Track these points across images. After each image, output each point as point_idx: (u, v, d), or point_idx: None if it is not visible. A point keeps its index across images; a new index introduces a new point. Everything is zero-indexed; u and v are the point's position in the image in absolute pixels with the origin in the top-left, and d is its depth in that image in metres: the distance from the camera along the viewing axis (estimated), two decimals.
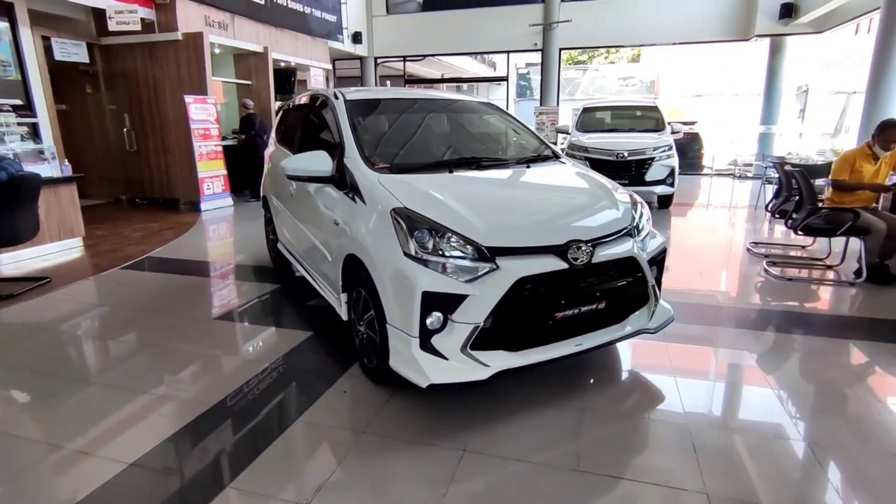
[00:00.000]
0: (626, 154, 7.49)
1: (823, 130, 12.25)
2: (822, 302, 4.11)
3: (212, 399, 2.59)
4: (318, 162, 2.94)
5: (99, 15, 7.82)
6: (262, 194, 5.05)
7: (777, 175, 5.82)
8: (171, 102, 8.30)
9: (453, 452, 2.17)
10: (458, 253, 2.28)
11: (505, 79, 15.02)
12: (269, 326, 3.58)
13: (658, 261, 2.78)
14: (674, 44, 12.54)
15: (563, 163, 3.36)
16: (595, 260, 2.42)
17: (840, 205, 4.44)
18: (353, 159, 2.89)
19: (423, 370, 2.23)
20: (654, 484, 1.99)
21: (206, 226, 7.29)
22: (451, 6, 13.67)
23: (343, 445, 2.23)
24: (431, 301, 2.22)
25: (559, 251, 2.36)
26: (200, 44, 8.07)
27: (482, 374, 2.25)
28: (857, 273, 4.43)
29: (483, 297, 2.22)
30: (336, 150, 3.04)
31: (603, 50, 27.98)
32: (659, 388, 2.75)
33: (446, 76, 20.06)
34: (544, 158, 3.36)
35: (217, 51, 9.04)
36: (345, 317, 3.00)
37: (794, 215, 4.67)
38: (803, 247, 5.57)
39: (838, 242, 5.02)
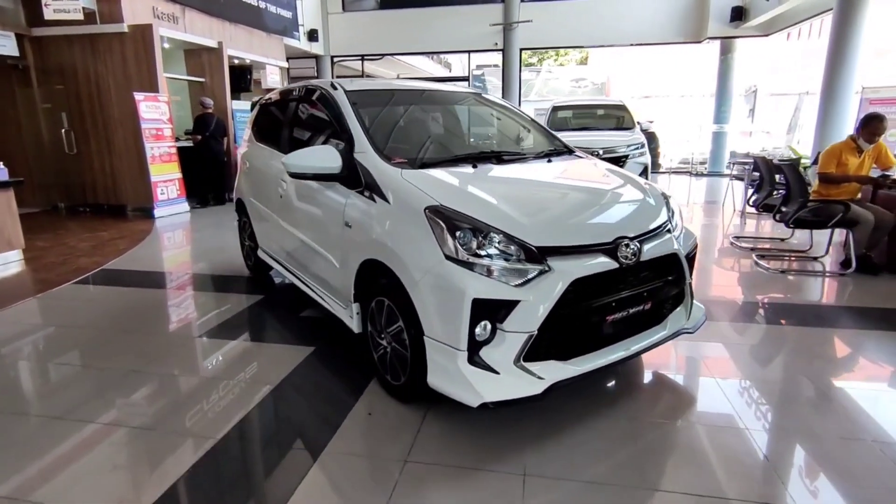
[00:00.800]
0: (600, 152, 7.49)
1: (773, 129, 12.85)
2: (823, 293, 4.16)
3: (215, 433, 2.23)
4: (325, 158, 2.63)
5: (30, 3, 7.06)
6: (234, 198, 4.62)
7: (757, 171, 5.93)
8: (117, 100, 7.61)
9: (514, 477, 1.94)
10: (505, 254, 2.05)
11: (466, 79, 14.89)
12: (262, 342, 3.21)
13: (690, 258, 2.65)
14: (631, 45, 12.81)
15: (581, 157, 3.20)
16: (642, 258, 2.26)
17: (827, 197, 4.54)
18: (366, 154, 2.60)
19: (474, 387, 1.98)
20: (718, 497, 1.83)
21: (164, 234, 6.70)
22: (410, 4, 13.42)
23: (386, 478, 1.94)
24: (481, 309, 1.97)
25: (608, 250, 2.18)
26: (150, 37, 7.45)
27: (537, 387, 2.02)
28: (845, 264, 4.53)
29: (536, 303, 2.00)
30: (337, 144, 2.75)
31: (552, 52, 28.56)
32: (696, 389, 2.63)
33: (402, 76, 19.77)
34: (559, 153, 3.18)
35: (167, 45, 8.38)
36: (357, 329, 2.70)
37: (784, 209, 4.74)
38: (782, 239, 5.70)
39: (818, 234, 5.15)
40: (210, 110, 8.53)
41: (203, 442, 2.16)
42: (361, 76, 15.39)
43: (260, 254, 4.17)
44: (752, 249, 5.30)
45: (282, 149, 3.59)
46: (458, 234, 2.05)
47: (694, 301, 2.71)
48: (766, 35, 11.58)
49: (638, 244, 2.26)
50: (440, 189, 2.29)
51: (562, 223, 2.27)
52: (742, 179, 7.15)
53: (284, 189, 3.36)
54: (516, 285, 2.01)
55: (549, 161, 2.94)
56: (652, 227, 2.41)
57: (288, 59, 12.11)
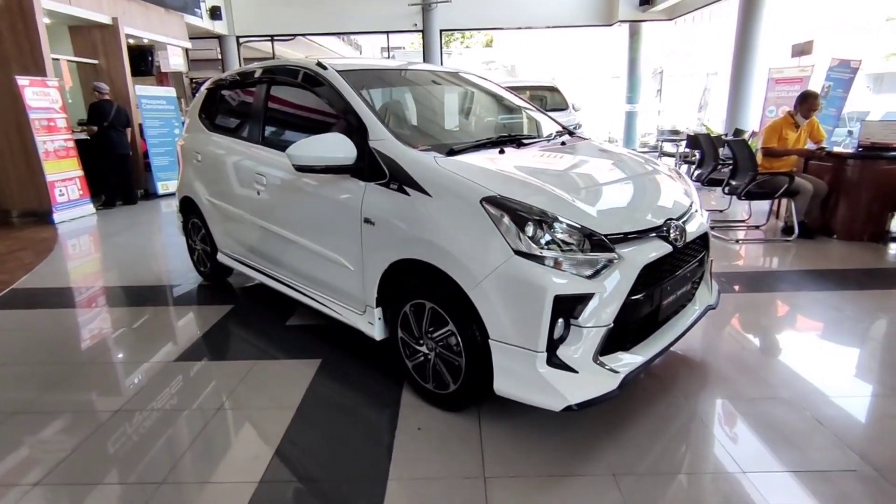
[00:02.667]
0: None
1: (680, 108, 13.85)
2: (775, 259, 4.49)
3: (252, 475, 1.90)
4: (337, 147, 2.32)
5: None
6: (179, 196, 4.05)
7: (694, 147, 6.29)
8: None
9: (605, 479, 1.84)
10: (573, 245, 1.91)
11: (369, 58, 14.42)
12: (258, 360, 2.81)
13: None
14: (548, 27, 13.10)
15: (584, 138, 3.13)
16: (687, 239, 2.24)
17: (771, 170, 4.90)
18: (386, 142, 2.32)
19: (557, 390, 1.84)
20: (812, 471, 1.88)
21: (73, 242, 5.79)
22: None
23: (474, 501, 1.76)
24: (560, 306, 1.83)
25: (660, 232, 2.13)
26: (30, 9, 6.31)
27: (614, 382, 1.92)
28: (787, 231, 4.95)
29: (612, 294, 1.90)
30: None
31: (459, 35, 28.63)
32: (724, 368, 2.70)
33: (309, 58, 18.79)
34: (561, 134, 3.09)
35: (47, 21, 7.16)
36: (379, 336, 2.46)
37: (733, 182, 5.06)
38: (721, 211, 6.12)
39: (756, 204, 5.59)
40: (107, 97, 7.45)
41: (241, 490, 1.83)
42: (273, 59, 14.35)
43: (221, 258, 3.69)
44: None
45: (251, 139, 3.16)
46: (527, 226, 1.87)
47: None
48: (671, 19, 12.37)
49: (682, 225, 2.24)
50: (488, 177, 2.09)
51: (620, 210, 2.18)
52: (672, 156, 7.57)
53: (264, 185, 2.96)
54: (588, 276, 1.89)
55: (565, 144, 2.83)
56: (687, 207, 2.40)
57: (190, 38, 10.94)
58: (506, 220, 1.90)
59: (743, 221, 5.60)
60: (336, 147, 2.32)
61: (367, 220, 2.32)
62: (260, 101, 3.14)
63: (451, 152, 2.32)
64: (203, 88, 3.82)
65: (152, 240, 5.89)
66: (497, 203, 1.94)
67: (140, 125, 8.26)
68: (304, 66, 2.84)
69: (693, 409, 2.27)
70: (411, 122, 2.77)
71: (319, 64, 2.76)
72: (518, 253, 1.87)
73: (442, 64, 13.48)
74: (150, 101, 8.28)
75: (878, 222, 4.72)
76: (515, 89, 10.54)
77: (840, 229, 4.82)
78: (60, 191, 6.65)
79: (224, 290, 3.93)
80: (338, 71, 2.69)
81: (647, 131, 13.88)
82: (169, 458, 2.02)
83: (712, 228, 5.25)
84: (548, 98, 9.24)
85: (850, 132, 6.58)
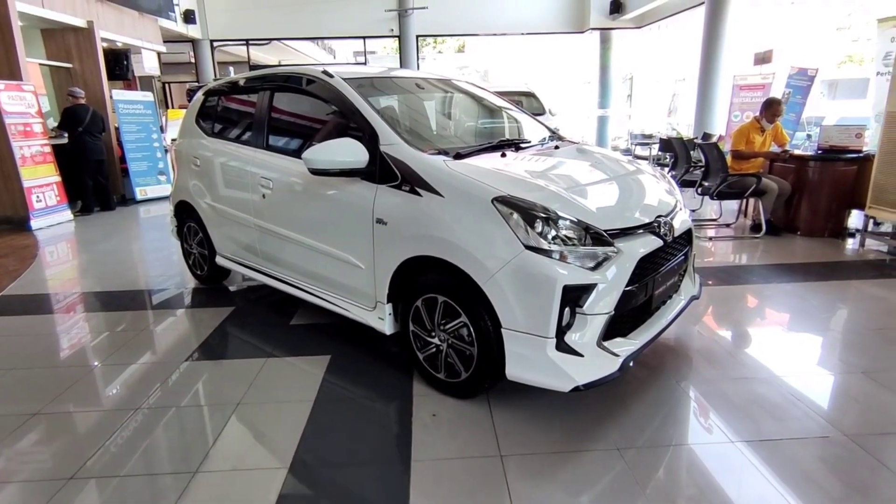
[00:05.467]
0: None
1: (650, 112, 14.36)
2: (745, 255, 4.80)
3: (283, 461, 2.01)
4: (350, 152, 2.45)
5: None
6: (174, 200, 4.09)
7: (666, 150, 6.61)
8: None
9: (611, 453, 2.02)
10: (576, 240, 2.09)
11: (363, 65, 14.49)
12: (270, 357, 2.89)
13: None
14: (522, 34, 13.43)
15: (573, 142, 3.33)
16: (674, 234, 2.46)
17: (740, 171, 5.23)
18: (398, 146, 2.46)
19: (567, 372, 2.02)
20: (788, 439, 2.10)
21: (55, 248, 5.71)
22: None
23: (495, 475, 1.91)
24: (568, 295, 2.01)
25: (651, 228, 2.34)
26: (4, 12, 6.21)
27: (615, 365, 2.11)
28: (755, 228, 5.28)
29: (612, 284, 2.09)
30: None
31: (431, 40, 28.84)
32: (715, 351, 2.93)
33: (283, 63, 18.65)
34: (552, 138, 3.29)
35: (20, 23, 7.02)
36: (389, 331, 2.59)
37: (705, 183, 5.37)
38: (693, 210, 6.45)
39: (726, 204, 5.93)
40: (82, 101, 7.34)
41: (275, 475, 1.94)
42: (247, 62, 14.27)
43: (220, 260, 3.76)
44: None
45: (255, 145, 3.25)
46: (536, 223, 2.05)
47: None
48: (640, 27, 12.85)
49: (670, 221, 2.45)
50: (496, 178, 2.26)
51: (616, 207, 2.37)
52: (646, 159, 7.91)
53: (270, 188, 3.05)
54: (591, 268, 2.08)
55: (557, 147, 3.03)
56: (673, 204, 2.62)
57: (163, 42, 10.81)
58: (515, 217, 2.07)
59: (714, 220, 5.93)
60: (350, 151, 2.45)
61: (379, 221, 2.46)
62: (264, 107, 3.24)
63: (459, 156, 2.48)
64: (199, 94, 3.88)
65: (137, 245, 5.87)
66: (507, 202, 2.10)
67: (117, 129, 8.15)
68: (310, 74, 2.96)
69: (682, 390, 2.49)
70: (415, 127, 2.92)
71: (326, 72, 2.88)
72: (528, 247, 2.04)
73: (418, 69, 13.65)
74: (126, 105, 8.18)
75: (836, 219, 5.09)
76: (499, 95, 10.67)
77: (803, 226, 5.18)
78: (38, 197, 6.53)
79: (221, 293, 3.98)
80: (345, 79, 2.82)
81: (618, 135, 14.34)
82: (200, 449, 2.11)
83: None
84: (524, 103, 9.49)
85: (809, 136, 7.02)
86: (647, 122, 13.54)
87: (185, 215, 4.01)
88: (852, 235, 5.06)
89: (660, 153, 7.41)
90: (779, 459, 1.97)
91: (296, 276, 3.12)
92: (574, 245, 2.07)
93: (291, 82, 3.10)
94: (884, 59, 5.82)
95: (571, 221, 2.09)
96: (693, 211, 6.40)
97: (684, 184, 6.00)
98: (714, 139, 7.65)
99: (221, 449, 2.12)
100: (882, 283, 3.90)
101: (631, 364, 2.16)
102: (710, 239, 5.21)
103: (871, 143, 5.23)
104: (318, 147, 2.46)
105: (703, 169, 5.49)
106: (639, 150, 8.23)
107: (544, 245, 2.03)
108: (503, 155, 2.62)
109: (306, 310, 3.46)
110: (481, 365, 2.24)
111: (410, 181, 2.36)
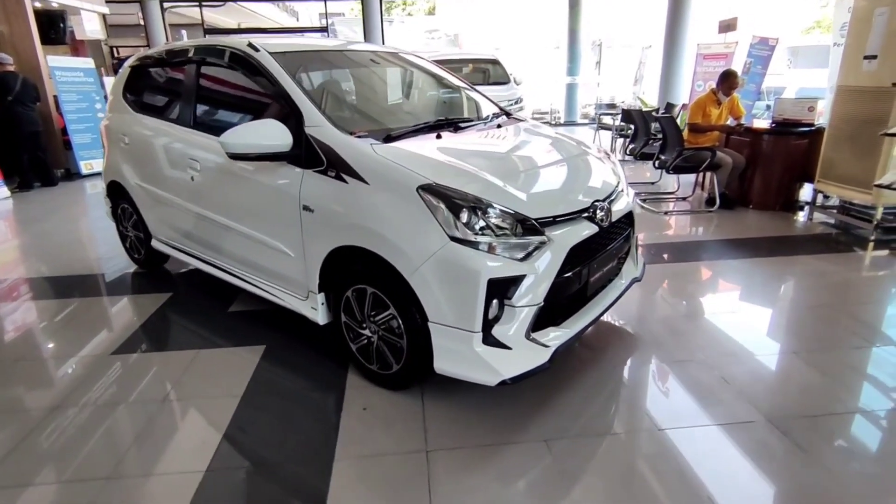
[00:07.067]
0: None
1: (619, 80, 14.19)
2: (697, 230, 4.82)
3: (199, 464, 1.94)
4: (271, 134, 2.30)
5: None
6: (106, 180, 3.86)
7: (628, 122, 6.54)
8: None
9: (538, 444, 2.00)
10: (506, 230, 2.02)
11: (325, 30, 13.90)
12: (202, 349, 2.78)
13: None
14: None
15: (519, 119, 3.22)
16: (613, 219, 2.41)
17: (696, 145, 5.21)
18: (322, 129, 2.32)
19: (493, 367, 1.97)
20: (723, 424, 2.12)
21: None
22: None
23: (418, 472, 1.87)
24: (494, 288, 1.94)
25: (587, 214, 2.27)
26: None
27: (545, 356, 2.07)
28: (709, 202, 5.31)
29: (542, 274, 2.03)
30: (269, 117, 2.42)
31: (400, 1, 27.85)
32: (650, 333, 2.93)
33: (243, 25, 17.74)
34: (497, 115, 3.17)
35: None
36: (322, 321, 2.50)
37: (662, 156, 5.34)
38: (652, 183, 6.45)
39: (683, 177, 5.93)
40: (10, 68, 6.83)
41: (188, 480, 1.87)
42: (201, 25, 13.52)
43: (156, 244, 3.58)
44: (636, 195, 5.91)
45: (182, 122, 3.05)
46: (462, 213, 1.96)
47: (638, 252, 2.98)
48: None
49: (608, 206, 2.39)
50: (424, 164, 2.14)
51: (550, 193, 2.29)
52: (609, 129, 7.84)
53: (198, 170, 2.88)
54: (520, 259, 2.01)
55: (500, 126, 2.91)
56: (613, 188, 2.56)
57: (107, 2, 10.11)
58: (441, 207, 1.97)
59: (672, 193, 5.95)
60: (271, 134, 2.29)
61: (305, 208, 2.33)
62: (191, 82, 3.02)
63: (389, 138, 2.35)
64: (126, 66, 3.62)
65: (79, 224, 5.58)
66: (433, 191, 2.00)
67: (56, 98, 7.65)
68: (234, 47, 2.75)
69: (620, 375, 2.49)
70: (349, 105, 2.76)
71: (251, 45, 2.68)
72: (453, 239, 1.95)
73: (383, 33, 13.17)
74: (64, 72, 7.66)
75: (788, 193, 5.15)
76: (457, 62, 10.43)
77: (756, 199, 5.22)
78: None
79: (161, 278, 3.82)
80: (271, 53, 2.63)
81: (588, 102, 14.20)
82: (114, 452, 2.02)
83: (644, 201, 5.57)
84: (490, 70, 9.26)
85: (769, 106, 7.03)
86: (617, 91, 13.42)
87: (118, 196, 3.79)
88: (802, 209, 5.13)
89: (622, 123, 7.33)
90: (701, 447, 1.99)
91: (230, 262, 2.99)
92: (503, 235, 2.00)
93: (218, 56, 2.88)
94: (841, 29, 5.80)
95: (500, 210, 2.01)
96: (653, 184, 6.41)
97: (643, 156, 5.97)
98: (676, 109, 7.62)
99: (138, 452, 2.03)
100: (826, 258, 3.96)
101: (581, 343, 2.12)
102: (666, 213, 5.22)
103: (825, 114, 5.25)
104: (237, 129, 2.30)
105: (661, 142, 5.45)
106: (605, 120, 8.11)
107: (470, 236, 1.95)
108: (439, 136, 2.50)
109: (246, 296, 3.34)
110: (411, 358, 2.18)
111: (336, 166, 2.23)
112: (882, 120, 4.11)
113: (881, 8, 4.12)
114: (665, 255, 4.09)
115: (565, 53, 13.94)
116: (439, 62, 10.07)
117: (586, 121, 12.94)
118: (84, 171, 7.80)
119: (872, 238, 4.28)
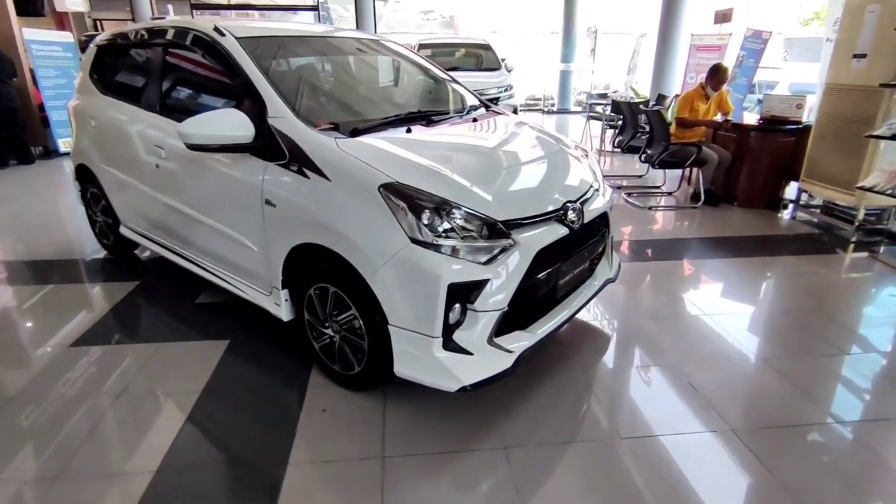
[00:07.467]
0: None
1: (614, 68, 14.00)
2: (680, 226, 4.78)
3: (150, 465, 1.88)
4: (232, 125, 2.21)
5: None
6: (75, 163, 3.75)
7: (617, 113, 6.45)
8: None
9: (497, 452, 1.96)
10: (470, 232, 1.95)
11: (315, 8, 13.57)
12: (164, 342, 2.72)
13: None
14: None
15: (498, 112, 3.14)
16: (586, 219, 2.34)
17: (683, 139, 5.14)
18: (286, 120, 2.23)
19: (452, 373, 1.92)
20: (698, 432, 2.10)
21: None
22: None
23: (371, 481, 1.83)
24: (455, 293, 1.88)
25: (558, 216, 2.21)
26: None
27: (508, 361, 2.02)
28: (694, 198, 5.26)
29: (507, 279, 1.97)
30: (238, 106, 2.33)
31: None
32: (635, 334, 2.90)
33: (233, 2, 17.26)
34: (476, 108, 3.08)
35: None
36: (286, 318, 2.44)
37: (649, 150, 5.27)
38: (639, 176, 6.39)
39: (670, 172, 5.87)
40: None
41: (138, 479, 1.82)
42: (188, 1, 13.14)
43: (124, 231, 3.48)
44: (620, 188, 5.86)
45: (148, 107, 2.95)
46: (424, 214, 1.89)
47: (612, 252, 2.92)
48: None
49: (580, 207, 2.32)
50: (388, 162, 2.06)
51: (519, 194, 2.22)
52: (599, 119, 7.74)
53: (163, 157, 2.78)
54: (484, 263, 1.95)
55: (475, 120, 2.83)
56: (587, 188, 2.49)
57: None
58: (403, 207, 1.90)
59: (658, 188, 5.89)
60: (232, 125, 2.20)
61: (268, 202, 2.25)
62: (157, 65, 2.91)
63: (355, 132, 2.26)
64: (92, 45, 3.48)
65: (52, 206, 5.44)
66: (395, 190, 1.93)
67: (32, 72, 7.43)
68: (200, 30, 2.64)
69: (586, 380, 2.45)
70: (318, 96, 2.66)
71: (217, 29, 2.57)
72: (414, 241, 1.88)
73: (375, 13, 12.88)
74: (41, 46, 7.43)
75: (773, 190, 5.11)
76: (450, 46, 10.23)
77: (741, 196, 5.18)
78: None
79: (130, 264, 3.73)
80: (239, 38, 2.52)
81: (582, 90, 14.03)
82: (63, 451, 1.96)
83: (629, 195, 5.51)
84: (483, 56, 9.10)
85: (760, 101, 6.96)
86: (611, 79, 13.25)
87: (87, 180, 3.68)
88: (786, 207, 5.10)
89: (612, 114, 7.23)
90: (663, 457, 1.96)
91: (197, 254, 2.91)
92: (468, 238, 1.93)
93: (180, 38, 2.76)
94: (834, 24, 5.71)
95: (465, 212, 1.94)
96: (640, 177, 6.35)
97: (631, 150, 5.90)
98: (668, 100, 7.52)
99: (89, 450, 1.97)
100: (806, 260, 3.94)
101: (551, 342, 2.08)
102: (650, 208, 5.17)
103: (815, 111, 5.18)
104: (196, 119, 2.20)
105: (648, 136, 5.37)
106: (598, 110, 7.99)
107: (431, 239, 1.88)
108: (408, 130, 2.42)
109: (214, 287, 3.25)
110: (373, 359, 2.13)
111: (298, 160, 2.15)
112: (868, 121, 4.05)
113: (872, 5, 4.04)
114: (644, 252, 4.05)
115: (560, 39, 13.71)
116: (432, 45, 9.91)
117: (579, 108, 12.80)
118: (62, 148, 7.61)
119: (853, 240, 4.26)
